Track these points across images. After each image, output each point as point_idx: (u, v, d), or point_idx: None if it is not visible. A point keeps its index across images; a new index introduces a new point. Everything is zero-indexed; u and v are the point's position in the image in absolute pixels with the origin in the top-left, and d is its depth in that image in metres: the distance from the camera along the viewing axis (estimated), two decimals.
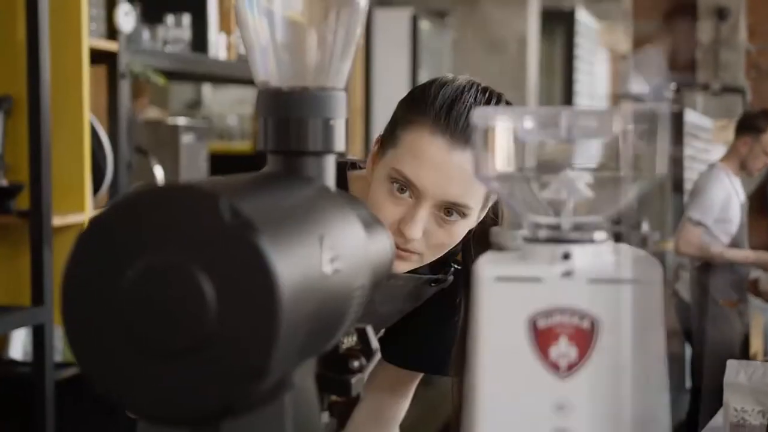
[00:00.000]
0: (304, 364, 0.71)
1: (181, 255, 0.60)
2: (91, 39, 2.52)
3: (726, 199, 4.34)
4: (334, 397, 0.93)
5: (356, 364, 0.84)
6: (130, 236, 0.61)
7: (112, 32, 2.64)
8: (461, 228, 1.26)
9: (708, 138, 7.98)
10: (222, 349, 0.59)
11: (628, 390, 0.67)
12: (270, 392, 0.65)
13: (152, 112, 3.83)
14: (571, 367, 0.67)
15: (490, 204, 1.32)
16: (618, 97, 9.74)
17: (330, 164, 0.81)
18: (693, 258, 4.36)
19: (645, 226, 6.52)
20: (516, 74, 5.46)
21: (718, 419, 2.09)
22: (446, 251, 1.29)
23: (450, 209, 1.23)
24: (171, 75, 3.17)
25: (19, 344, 2.53)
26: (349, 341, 0.88)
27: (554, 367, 0.67)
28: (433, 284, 1.41)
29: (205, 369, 0.59)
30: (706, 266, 4.34)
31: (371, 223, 0.86)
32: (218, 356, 0.59)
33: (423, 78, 5.68)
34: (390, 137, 1.26)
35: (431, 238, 1.25)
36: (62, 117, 2.44)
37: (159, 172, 2.89)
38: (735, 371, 2.09)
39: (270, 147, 0.80)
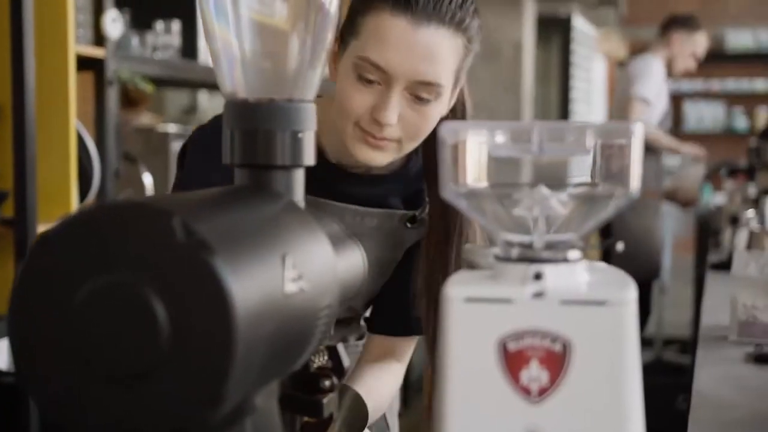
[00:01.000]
0: (267, 386, 0.68)
1: (132, 275, 0.57)
2: (78, 45, 2.50)
3: (661, 80, 4.43)
4: (305, 418, 0.90)
5: (327, 383, 0.81)
6: (81, 254, 0.58)
7: (99, 39, 2.61)
8: (435, 110, 1.24)
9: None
10: (175, 374, 0.57)
11: (601, 415, 0.64)
12: (229, 417, 0.62)
13: (147, 119, 3.81)
14: (543, 392, 0.64)
15: (460, 86, 1.29)
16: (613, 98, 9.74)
17: (299, 178, 0.79)
18: None
19: None
20: (511, 81, 5.44)
21: (719, 319, 1.95)
22: (422, 139, 1.26)
23: (421, 91, 1.21)
24: (161, 82, 3.15)
25: (4, 353, 2.50)
26: (320, 360, 0.85)
27: (525, 391, 0.64)
28: (409, 224, 1.38)
29: (157, 395, 0.57)
30: None
31: (341, 239, 0.83)
32: (171, 381, 0.57)
33: None
34: (350, 28, 1.24)
35: (406, 123, 1.23)
36: (48, 124, 2.41)
37: (148, 180, 2.87)
38: (744, 263, 1.96)
39: (237, 161, 0.78)
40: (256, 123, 0.77)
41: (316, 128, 1.38)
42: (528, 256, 0.67)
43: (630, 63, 4.61)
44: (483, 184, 0.69)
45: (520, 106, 5.52)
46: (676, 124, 10.24)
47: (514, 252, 0.68)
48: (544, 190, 0.67)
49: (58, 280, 0.58)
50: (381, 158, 1.26)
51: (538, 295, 0.65)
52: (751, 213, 3.03)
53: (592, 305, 0.64)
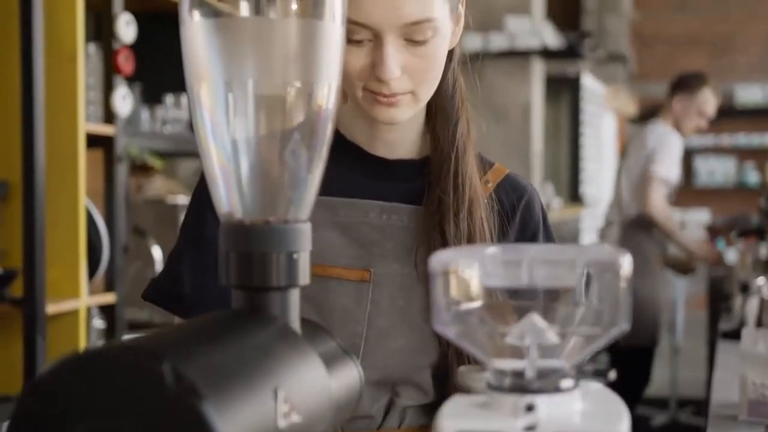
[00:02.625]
0: None
1: (122, 421, 0.57)
2: (88, 123, 2.53)
3: (678, 158, 4.44)
4: None
5: None
6: (70, 400, 0.58)
7: (109, 116, 2.64)
8: (438, 47, 1.15)
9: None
10: None
11: None
12: None
13: (159, 182, 3.83)
14: None
15: (460, 6, 1.20)
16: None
17: (294, 298, 0.79)
18: (647, 217, 4.33)
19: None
20: (520, 142, 5.47)
21: (730, 395, 1.91)
22: (437, 81, 1.17)
23: (415, 34, 1.12)
24: (170, 154, 3.18)
25: None
26: None
27: None
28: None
29: None
30: (638, 221, 4.32)
31: (337, 356, 0.83)
32: None
33: None
34: None
35: (412, 71, 1.14)
36: (58, 202, 2.43)
37: (157, 253, 2.88)
38: (752, 339, 1.91)
39: (233, 282, 0.78)
40: (252, 245, 0.78)
41: (348, 120, 1.31)
42: (520, 385, 0.67)
43: (645, 129, 4.59)
44: (474, 313, 0.69)
45: (529, 168, 5.54)
46: (687, 179, 10.26)
47: (506, 381, 0.68)
48: (536, 319, 0.68)
49: (47, 426, 0.58)
50: (400, 114, 1.17)
51: (531, 428, 0.65)
52: (761, 280, 3.02)
53: None
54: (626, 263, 0.66)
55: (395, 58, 1.12)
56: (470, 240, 1.20)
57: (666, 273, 4.57)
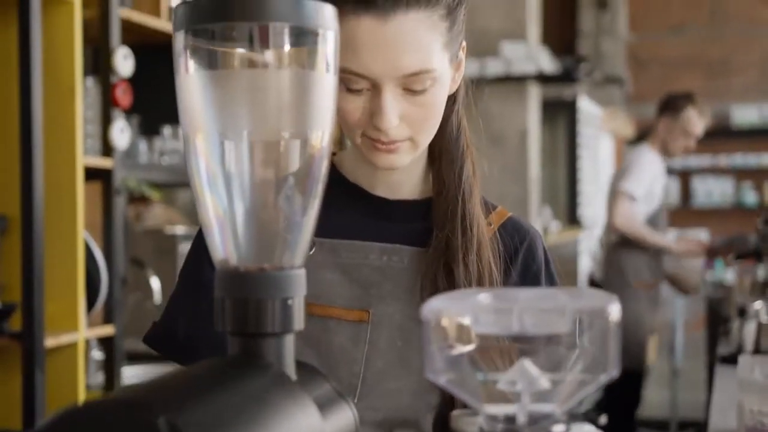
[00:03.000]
0: None
1: None
2: (86, 157, 2.54)
3: (654, 176, 4.43)
4: None
5: None
6: None
7: (107, 149, 2.66)
8: (437, 96, 1.15)
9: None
10: None
11: None
12: None
13: (158, 211, 3.84)
14: None
15: (460, 56, 1.20)
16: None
17: (289, 344, 0.80)
18: (617, 233, 4.36)
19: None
20: (518, 167, 5.48)
21: (728, 421, 1.91)
22: (436, 127, 1.17)
23: (413, 84, 1.12)
24: (168, 185, 3.19)
25: None
26: None
27: None
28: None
29: None
30: (621, 244, 4.37)
31: (332, 399, 0.84)
32: None
33: None
34: None
35: (411, 119, 1.14)
36: (56, 236, 2.44)
37: (156, 284, 2.89)
38: (749, 366, 1.91)
39: (228, 328, 0.79)
40: (247, 292, 0.79)
41: (350, 163, 1.33)
42: (512, 431, 0.68)
43: (631, 151, 4.67)
44: (465, 359, 0.70)
45: (527, 192, 5.56)
46: (684, 199, 10.29)
47: (499, 427, 0.69)
48: (527, 365, 0.69)
49: None
50: (399, 160, 1.17)
51: None
52: (759, 304, 3.02)
53: None
54: (615, 310, 0.67)
55: (393, 107, 1.13)
56: (479, 282, 1.21)
57: (659, 294, 4.58)
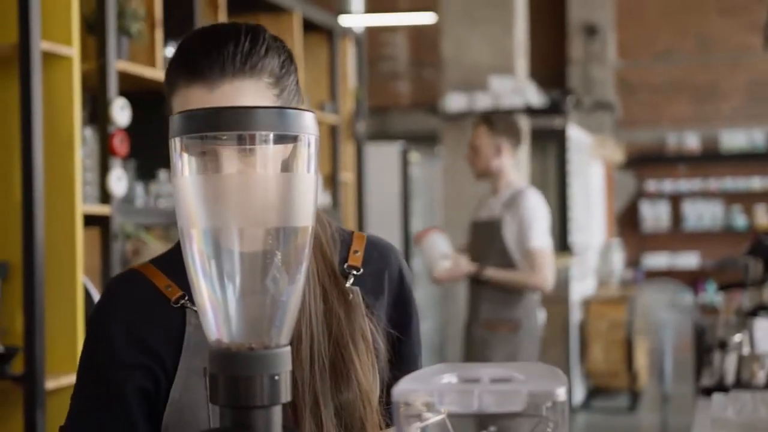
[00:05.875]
0: None
1: None
2: (85, 204, 2.63)
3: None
4: None
5: None
6: None
7: (105, 196, 2.75)
8: (269, 158, 1.19)
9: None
10: None
11: None
12: None
13: (155, 246, 3.91)
14: None
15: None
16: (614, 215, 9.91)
17: (277, 415, 0.89)
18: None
19: None
20: None
21: None
22: None
23: (248, 144, 1.11)
24: (165, 226, 3.28)
25: None
26: None
27: None
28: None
29: None
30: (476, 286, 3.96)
31: None
32: None
33: (415, 206, 5.81)
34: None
35: None
36: (56, 281, 2.52)
37: None
38: (722, 405, 1.97)
39: (221, 402, 0.88)
40: (238, 369, 0.88)
41: None
42: None
43: None
44: None
45: None
46: (675, 223, 10.40)
47: None
48: None
49: None
50: None
51: None
52: (739, 337, 3.10)
53: None
54: (562, 393, 0.76)
55: (229, 167, 1.11)
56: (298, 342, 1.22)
57: None
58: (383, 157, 5.13)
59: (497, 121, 3.97)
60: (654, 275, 9.54)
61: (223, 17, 3.55)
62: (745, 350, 2.95)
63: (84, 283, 2.60)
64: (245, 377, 0.88)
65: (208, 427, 1.20)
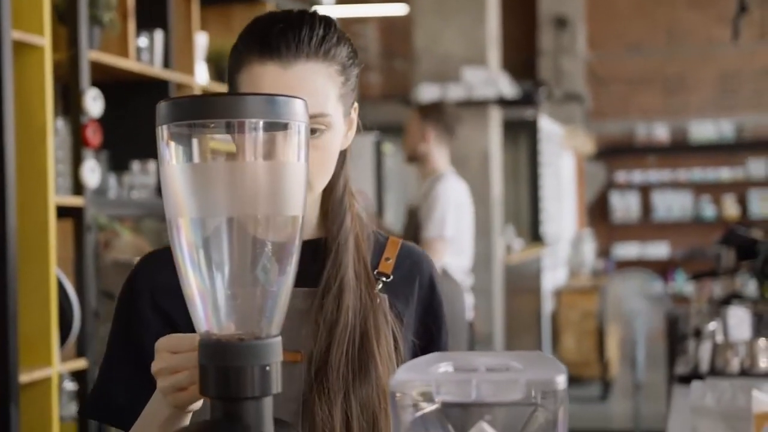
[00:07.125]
0: None
1: None
2: (57, 196, 2.59)
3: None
4: None
5: None
6: None
7: (78, 187, 2.71)
8: (331, 141, 1.23)
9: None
10: None
11: None
12: None
13: (127, 238, 3.88)
14: None
15: (352, 115, 1.28)
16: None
17: (268, 406, 0.88)
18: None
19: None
20: (480, 188, 5.57)
21: None
22: (330, 172, 1.25)
23: (311, 123, 1.15)
24: (138, 218, 3.25)
25: None
26: None
27: None
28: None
29: None
30: None
31: None
32: None
33: (388, 198, 5.80)
34: (231, 89, 1.24)
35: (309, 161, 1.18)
36: (29, 273, 2.49)
37: None
38: (701, 393, 1.96)
39: (211, 393, 0.87)
40: (228, 360, 0.86)
41: None
42: None
43: None
44: (429, 424, 0.78)
45: (489, 213, 5.65)
46: (645, 213, 10.47)
47: None
48: (485, 426, 0.77)
49: None
50: None
51: None
52: (713, 325, 3.12)
53: None
54: (561, 381, 0.75)
55: None
56: (334, 324, 1.24)
57: None
58: (356, 148, 5.13)
59: (428, 108, 4.07)
60: (624, 265, 9.60)
61: (196, 8, 3.52)
62: (719, 338, 2.98)
63: (57, 275, 2.57)
64: (235, 368, 0.86)
65: None
